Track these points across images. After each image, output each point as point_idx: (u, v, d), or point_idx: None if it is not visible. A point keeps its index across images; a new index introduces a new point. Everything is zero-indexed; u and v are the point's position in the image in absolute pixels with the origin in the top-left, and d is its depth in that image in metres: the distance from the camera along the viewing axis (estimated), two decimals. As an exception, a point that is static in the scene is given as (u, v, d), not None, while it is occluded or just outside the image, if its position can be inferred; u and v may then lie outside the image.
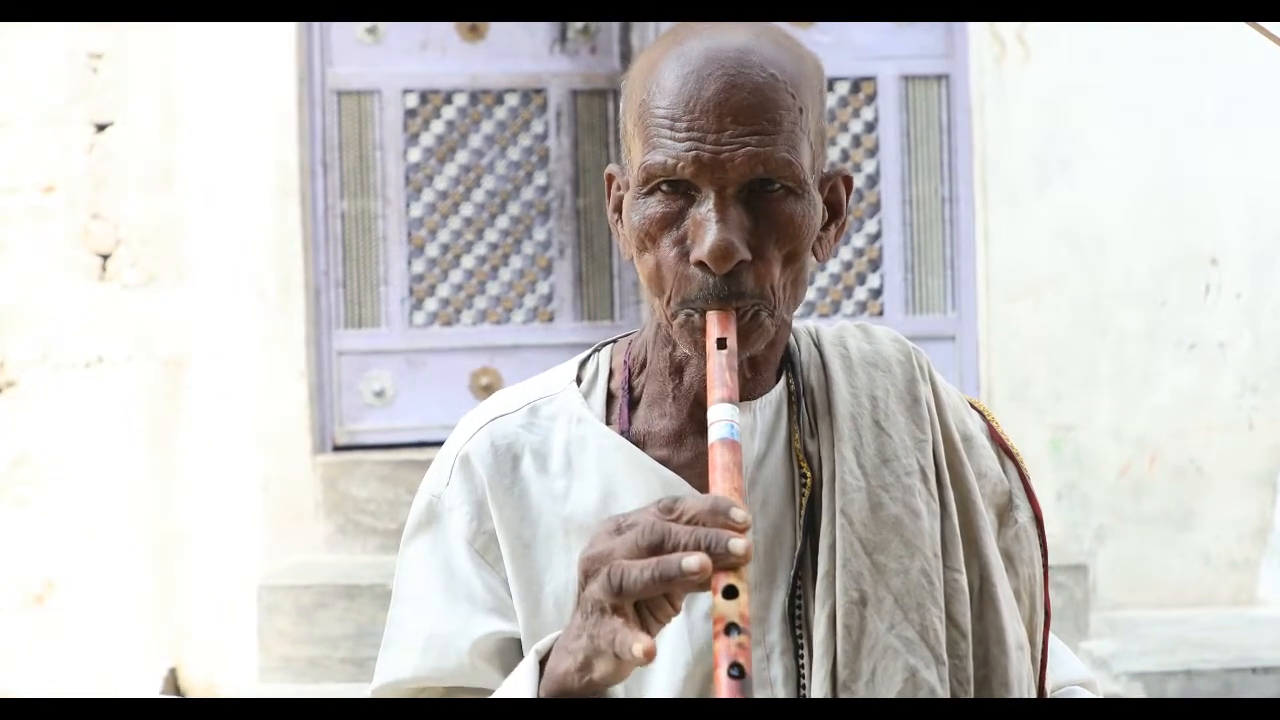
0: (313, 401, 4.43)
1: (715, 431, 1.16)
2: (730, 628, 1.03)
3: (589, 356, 1.46)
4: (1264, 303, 4.46)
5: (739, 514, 1.07)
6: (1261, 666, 3.84)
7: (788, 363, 1.41)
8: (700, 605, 1.30)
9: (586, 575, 1.12)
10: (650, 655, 1.05)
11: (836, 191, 1.36)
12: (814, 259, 1.34)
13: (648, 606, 1.10)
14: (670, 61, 1.28)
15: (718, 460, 1.14)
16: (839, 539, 1.33)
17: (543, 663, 1.20)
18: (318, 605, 4.01)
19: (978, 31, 4.44)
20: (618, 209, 1.37)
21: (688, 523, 1.07)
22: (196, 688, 4.27)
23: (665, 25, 4.21)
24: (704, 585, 1.05)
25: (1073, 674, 1.51)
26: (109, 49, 4.28)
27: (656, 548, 1.07)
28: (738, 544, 1.05)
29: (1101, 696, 1.51)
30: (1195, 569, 4.44)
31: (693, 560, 1.04)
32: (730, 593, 1.05)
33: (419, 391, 4.57)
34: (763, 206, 1.27)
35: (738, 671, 1.02)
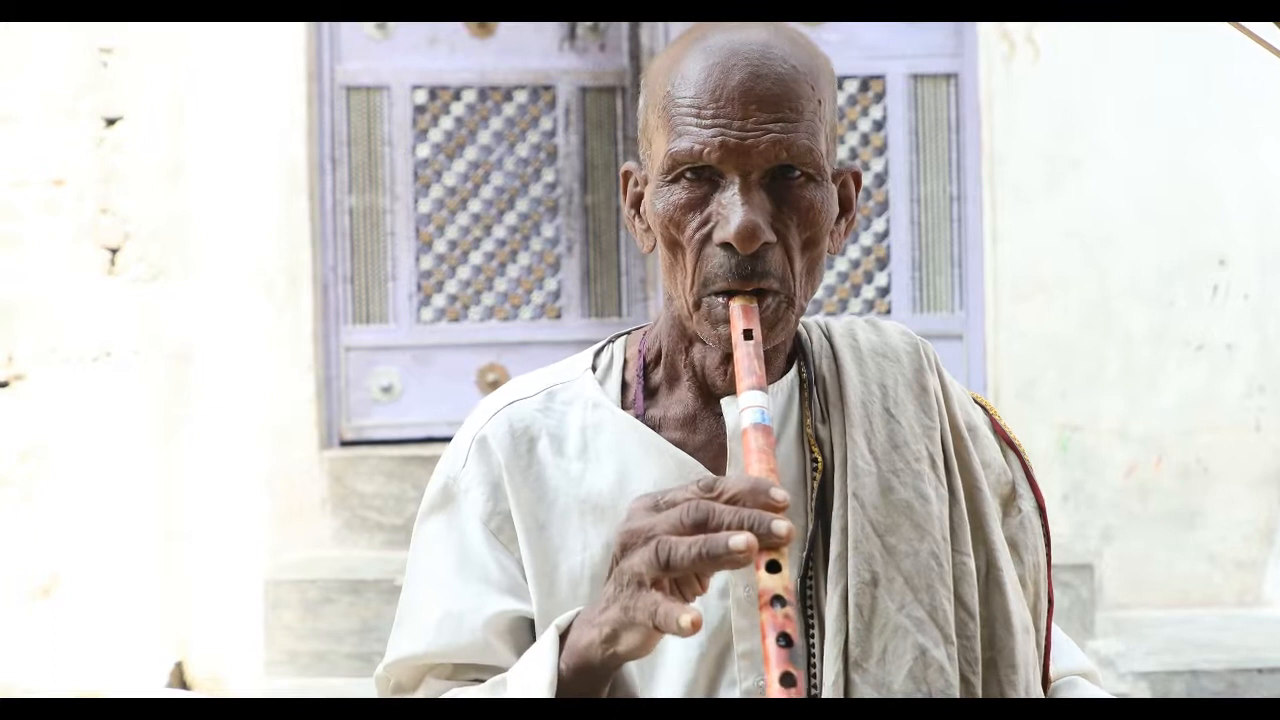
0: (320, 397, 4.44)
1: (748, 417, 1.20)
2: (775, 600, 1.06)
3: (603, 347, 1.50)
4: (1272, 304, 4.45)
5: (779, 494, 1.09)
6: (1267, 667, 3.85)
7: (799, 352, 1.45)
8: (714, 583, 1.31)
9: (625, 548, 1.14)
10: (697, 626, 1.07)
11: (847, 187, 1.40)
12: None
13: (677, 582, 1.12)
14: (693, 55, 1.32)
15: (752, 444, 1.17)
16: (851, 521, 1.35)
17: (563, 638, 1.22)
18: (323, 600, 4.02)
19: (987, 30, 4.44)
20: (634, 205, 1.41)
21: (729, 502, 1.10)
22: (202, 681, 4.27)
23: (675, 25, 4.21)
24: (745, 563, 1.08)
25: (1075, 664, 1.53)
26: (119, 44, 4.29)
27: (701, 525, 1.09)
28: (780, 525, 1.07)
29: (1103, 688, 1.53)
30: (1201, 569, 4.44)
31: (739, 539, 1.06)
32: (773, 567, 1.08)
33: (426, 387, 4.58)
34: (784, 192, 1.31)
35: (785, 641, 1.05)
